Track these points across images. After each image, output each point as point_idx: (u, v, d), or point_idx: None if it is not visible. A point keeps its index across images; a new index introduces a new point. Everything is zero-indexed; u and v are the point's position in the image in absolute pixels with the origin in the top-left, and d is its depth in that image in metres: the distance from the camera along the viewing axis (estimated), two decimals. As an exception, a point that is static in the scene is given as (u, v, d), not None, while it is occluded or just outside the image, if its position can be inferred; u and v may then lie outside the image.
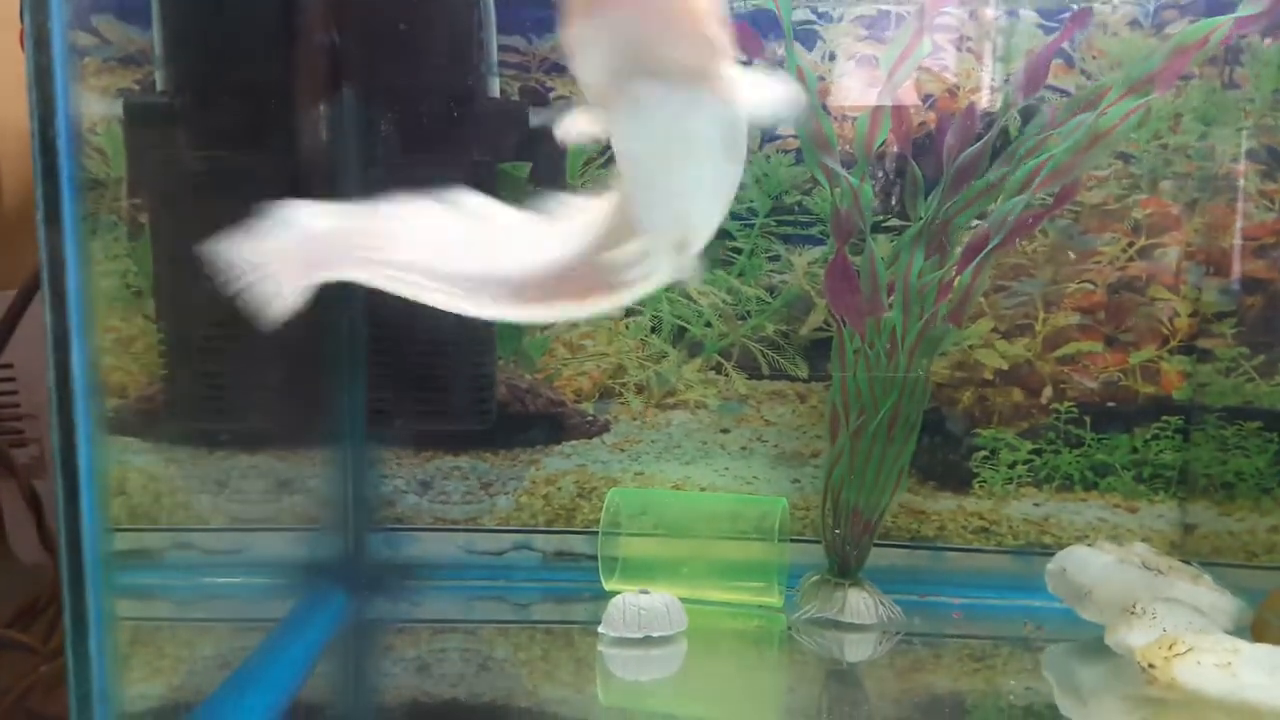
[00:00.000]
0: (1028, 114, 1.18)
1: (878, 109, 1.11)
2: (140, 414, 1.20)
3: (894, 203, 1.25)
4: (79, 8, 0.71)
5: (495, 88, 1.23)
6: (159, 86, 1.16)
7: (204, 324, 1.15)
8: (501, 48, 1.24)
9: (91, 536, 0.66)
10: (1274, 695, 0.94)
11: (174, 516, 1.22)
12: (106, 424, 1.20)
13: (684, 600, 1.15)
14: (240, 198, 1.14)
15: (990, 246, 1.09)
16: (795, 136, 1.23)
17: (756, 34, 1.17)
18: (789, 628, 1.20)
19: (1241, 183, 1.24)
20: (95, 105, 1.18)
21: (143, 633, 1.14)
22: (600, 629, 1.13)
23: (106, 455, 0.69)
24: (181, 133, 1.14)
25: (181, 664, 1.11)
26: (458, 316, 1.21)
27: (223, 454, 1.23)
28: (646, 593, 1.14)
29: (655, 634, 1.12)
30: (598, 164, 1.28)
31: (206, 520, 1.24)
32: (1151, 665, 0.98)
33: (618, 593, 1.16)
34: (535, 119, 1.25)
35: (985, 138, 1.11)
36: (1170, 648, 0.98)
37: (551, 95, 1.27)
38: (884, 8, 1.24)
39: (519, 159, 1.24)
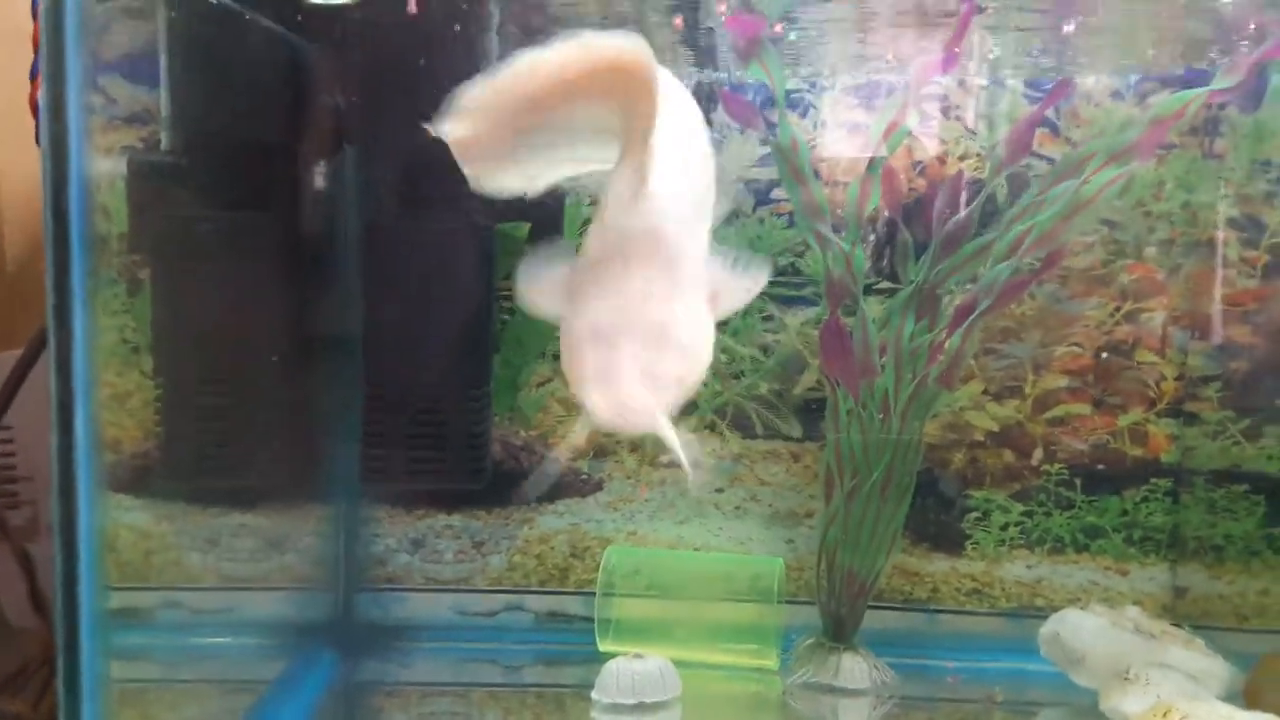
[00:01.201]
0: (1015, 181, 1.21)
1: (868, 176, 1.13)
2: (134, 470, 1.20)
3: (885, 264, 1.27)
4: (88, 70, 0.72)
5: (494, 151, 1.25)
6: (164, 145, 1.17)
7: (201, 381, 1.15)
8: (501, 112, 1.27)
9: (88, 597, 0.66)
10: (1268, 762, 0.94)
11: (164, 575, 1.21)
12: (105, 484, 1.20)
13: (678, 662, 1.15)
14: (240, 256, 1.17)
15: (979, 310, 1.11)
16: (788, 200, 1.25)
17: (751, 104, 1.20)
18: (784, 692, 1.19)
19: (1223, 249, 1.26)
20: (100, 163, 1.19)
21: (129, 694, 1.12)
22: (593, 694, 1.12)
23: (105, 516, 0.69)
24: (184, 191, 1.16)
25: (168, 726, 1.09)
26: (454, 373, 1.23)
27: (215, 511, 1.22)
28: (641, 657, 1.13)
29: (649, 700, 1.10)
30: (594, 226, 1.30)
31: (197, 579, 1.23)
32: None
33: (611, 654, 1.15)
34: (534, 182, 1.27)
35: (973, 204, 1.14)
36: (1165, 715, 0.98)
37: (549, 158, 1.29)
38: (875, 78, 1.27)
39: (517, 219, 1.26)
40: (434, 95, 0.73)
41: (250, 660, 1.20)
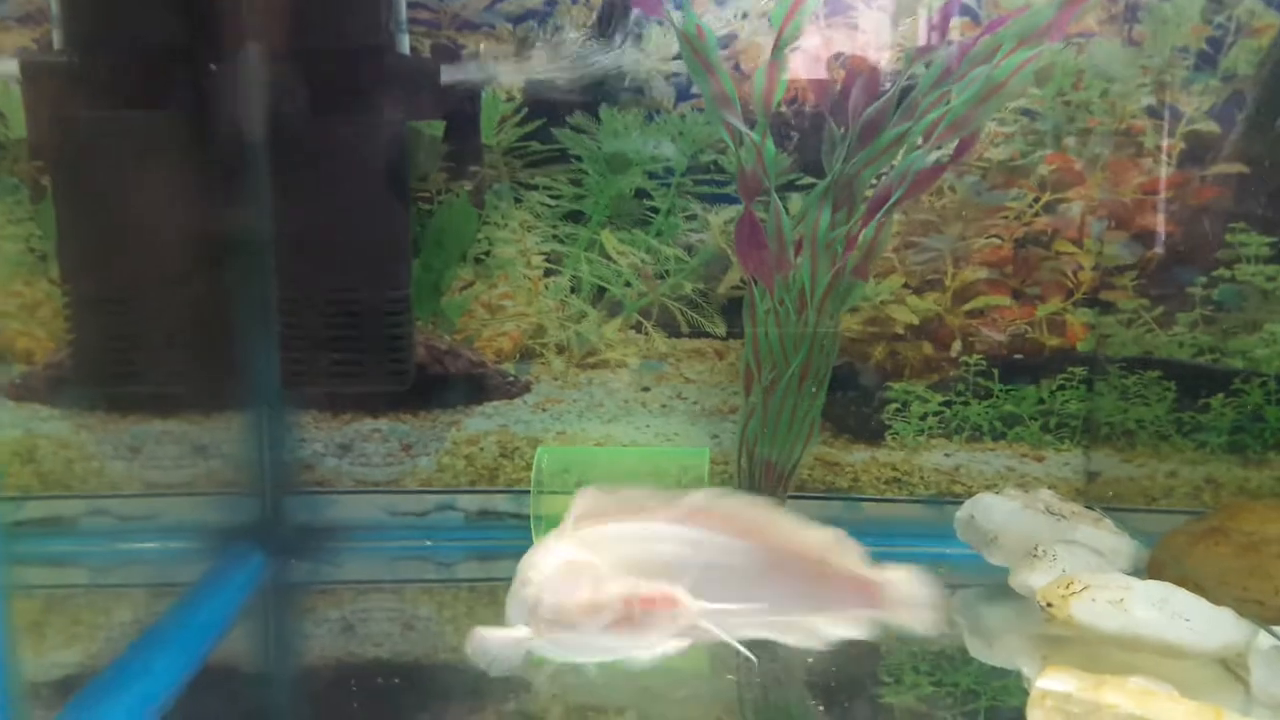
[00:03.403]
0: (931, 70, 1.19)
1: (772, 64, 1.11)
2: (48, 380, 1.18)
3: (808, 159, 1.26)
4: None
5: (405, 45, 1.22)
6: (57, 44, 1.13)
7: (110, 287, 1.13)
8: (411, 4, 1.23)
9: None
10: (1163, 629, 0.96)
11: (88, 483, 1.21)
12: (8, 390, 1.18)
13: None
14: (143, 156, 1.13)
15: (893, 200, 1.11)
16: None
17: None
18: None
19: (1141, 139, 1.27)
20: (-10, 64, 1.15)
21: (57, 599, 1.13)
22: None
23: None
24: (81, 92, 1.12)
25: (97, 630, 1.10)
26: (371, 275, 1.22)
27: (135, 419, 1.22)
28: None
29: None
30: (513, 121, 1.28)
31: (121, 486, 1.22)
32: (1049, 604, 1.00)
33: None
34: (447, 76, 1.25)
35: (888, 93, 1.13)
36: (1067, 586, 1.00)
37: (463, 52, 1.26)
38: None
39: (432, 118, 1.23)
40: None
41: (178, 564, 1.21)
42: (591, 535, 0.84)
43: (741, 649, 0.82)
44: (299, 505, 1.32)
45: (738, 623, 0.82)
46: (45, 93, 1.14)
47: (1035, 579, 1.08)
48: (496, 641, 0.80)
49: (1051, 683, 0.83)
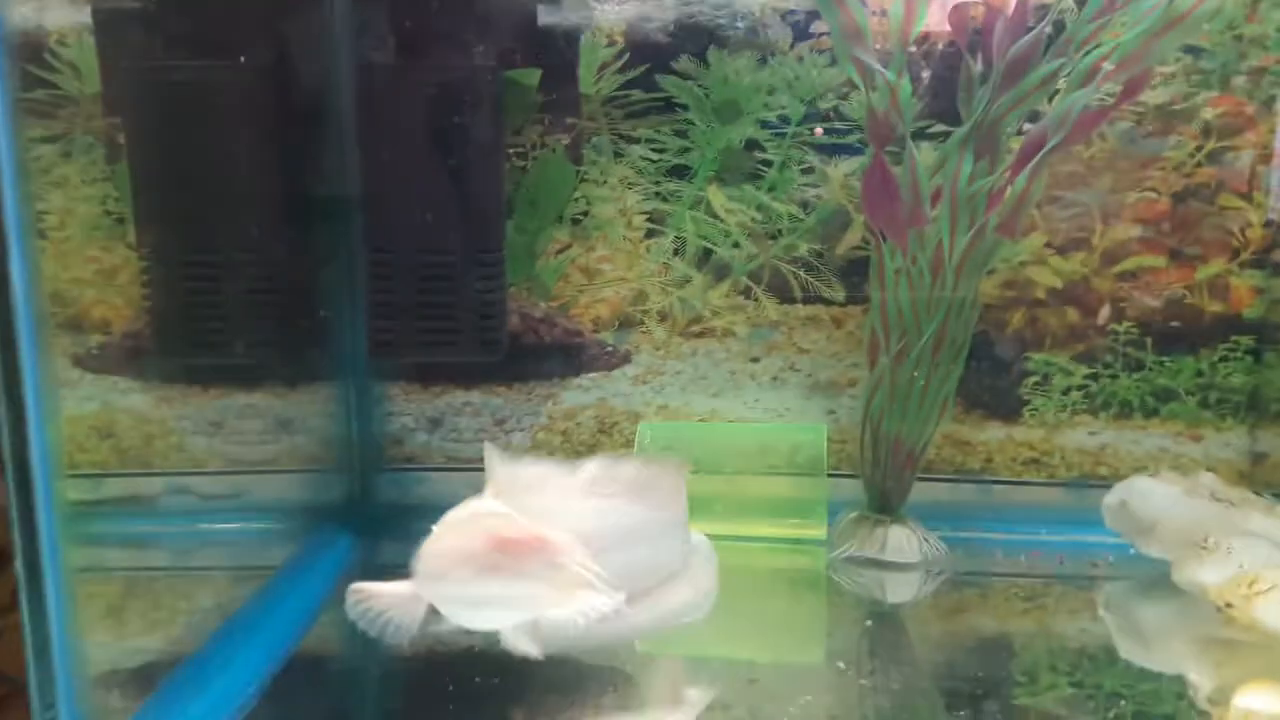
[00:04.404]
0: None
1: (912, -10, 0.99)
2: (126, 351, 1.13)
3: (941, 104, 1.15)
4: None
5: (500, -17, 1.14)
6: (131, -10, 1.07)
7: (190, 251, 1.07)
8: (504, -60, 1.14)
9: (43, 479, 0.59)
10: (1364, 636, 0.86)
11: (168, 460, 1.16)
12: (77, 359, 1.13)
13: (722, 538, 1.08)
14: (222, 110, 1.06)
15: (1049, 147, 0.98)
16: (829, 34, 1.12)
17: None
18: (827, 567, 1.12)
19: (1326, 76, 1.12)
20: (62, 13, 1.09)
21: (137, 583, 1.08)
22: (624, 571, 1.06)
23: (55, 391, 0.61)
24: (158, 42, 1.05)
25: (179, 615, 1.05)
26: (461, 236, 1.14)
27: (217, 392, 1.16)
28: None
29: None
30: (614, 68, 1.18)
31: (203, 463, 1.17)
32: (1229, 604, 0.91)
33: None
34: (544, 18, 1.15)
35: (1039, 25, 1.00)
36: (1250, 585, 0.91)
37: (562, -8, 1.17)
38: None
39: (527, 65, 1.14)
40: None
41: (264, 545, 1.16)
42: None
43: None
44: (388, 483, 1.26)
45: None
46: (120, 44, 1.07)
47: (1206, 574, 0.99)
48: (379, 598, 0.74)
49: (1256, 701, 0.72)
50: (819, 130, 1.10)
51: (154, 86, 1.06)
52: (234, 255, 1.07)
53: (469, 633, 0.79)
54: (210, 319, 1.08)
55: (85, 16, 1.09)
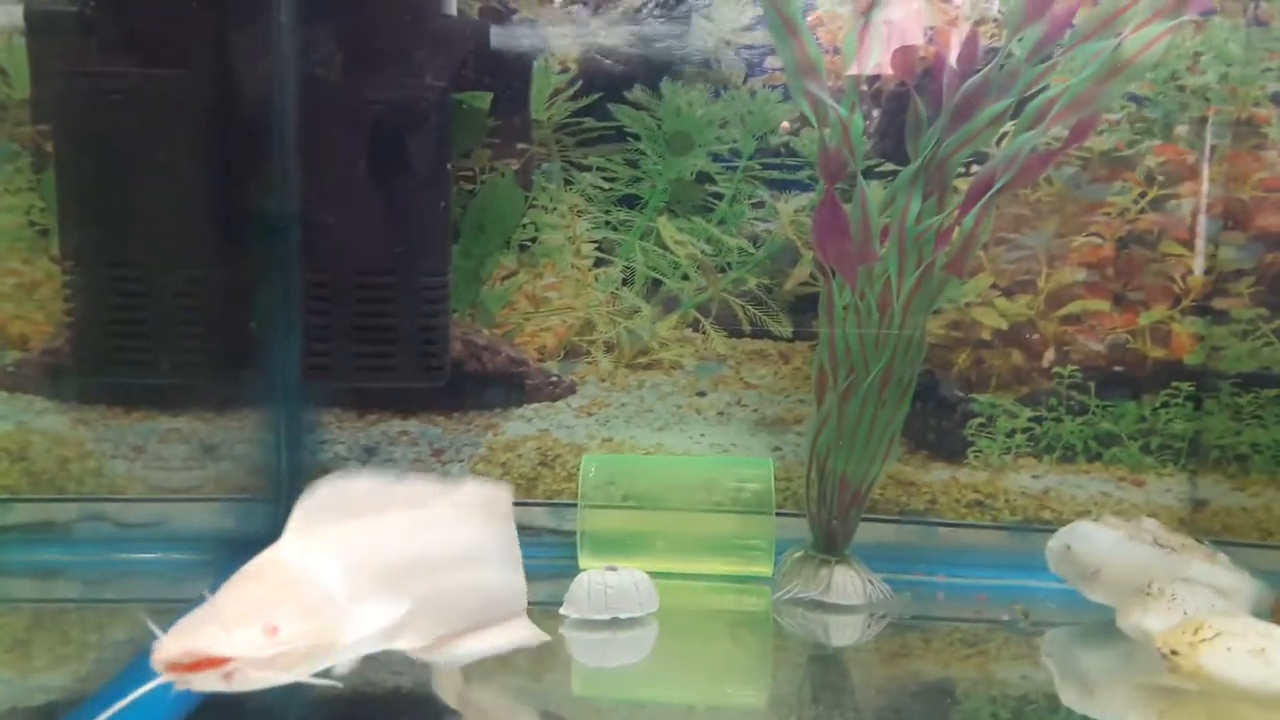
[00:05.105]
0: (1025, 41, 1.08)
1: (865, 27, 1.01)
2: (45, 369, 1.08)
3: (889, 144, 1.15)
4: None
5: (453, 4, 1.12)
6: (66, -6, 1.03)
7: (117, 265, 1.02)
8: (457, -39, 1.13)
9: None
10: (1311, 684, 0.85)
11: (84, 484, 1.10)
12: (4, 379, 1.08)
13: (664, 575, 1.06)
14: (158, 121, 1.03)
15: (997, 187, 0.98)
16: (782, 70, 1.12)
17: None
18: (771, 608, 1.10)
19: (1265, 129, 1.14)
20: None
21: (45, 615, 1.02)
22: (562, 610, 1.02)
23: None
24: (92, 47, 1.01)
25: (89, 650, 0.99)
26: (406, 259, 1.11)
27: (140, 414, 1.11)
28: (614, 569, 1.03)
29: (623, 615, 1.01)
30: (566, 95, 1.17)
31: (121, 489, 1.11)
32: (1174, 652, 0.89)
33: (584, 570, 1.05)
34: (496, 41, 1.14)
35: (989, 65, 1.01)
36: (1195, 632, 0.89)
37: (515, 15, 1.15)
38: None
39: (478, 88, 1.12)
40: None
41: (184, 578, 1.10)
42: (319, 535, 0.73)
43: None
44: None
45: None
46: (52, 47, 1.03)
47: (1150, 621, 0.98)
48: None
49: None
50: (785, 125, 1.09)
51: (86, 93, 1.02)
52: (163, 271, 1.03)
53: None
54: (135, 337, 1.04)
55: (17, 19, 1.05)
